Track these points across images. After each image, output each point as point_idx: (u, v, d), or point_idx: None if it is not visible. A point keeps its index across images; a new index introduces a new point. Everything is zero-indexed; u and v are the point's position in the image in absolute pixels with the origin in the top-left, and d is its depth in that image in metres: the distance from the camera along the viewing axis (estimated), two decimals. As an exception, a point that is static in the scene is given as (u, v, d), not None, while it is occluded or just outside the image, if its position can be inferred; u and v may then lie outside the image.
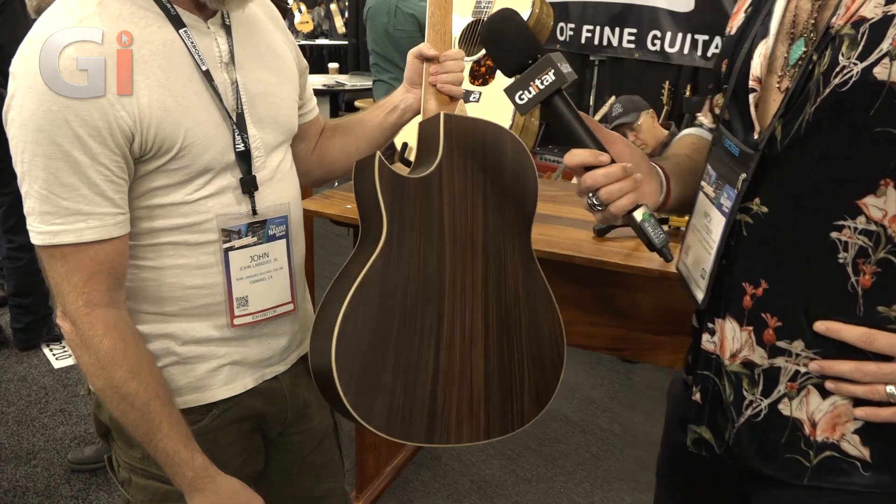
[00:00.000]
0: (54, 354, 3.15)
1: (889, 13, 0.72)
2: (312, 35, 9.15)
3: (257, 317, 1.08)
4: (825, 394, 0.83)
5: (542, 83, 0.88)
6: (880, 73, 0.71)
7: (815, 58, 0.77)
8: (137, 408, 0.96)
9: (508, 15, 0.92)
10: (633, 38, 4.24)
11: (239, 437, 1.13)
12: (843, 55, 0.74)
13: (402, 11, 3.45)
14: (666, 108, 4.06)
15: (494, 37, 0.94)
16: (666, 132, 3.17)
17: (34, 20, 0.94)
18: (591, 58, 4.45)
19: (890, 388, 0.78)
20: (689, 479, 1.13)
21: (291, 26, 8.13)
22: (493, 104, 1.65)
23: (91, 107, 0.87)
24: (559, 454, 2.58)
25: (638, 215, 0.89)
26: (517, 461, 2.53)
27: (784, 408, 0.86)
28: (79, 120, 0.86)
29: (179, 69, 0.95)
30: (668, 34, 4.08)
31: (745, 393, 0.89)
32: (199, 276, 1.02)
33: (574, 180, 0.94)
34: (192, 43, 0.96)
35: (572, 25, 4.38)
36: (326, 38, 9.18)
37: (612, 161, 0.89)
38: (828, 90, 0.75)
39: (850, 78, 0.73)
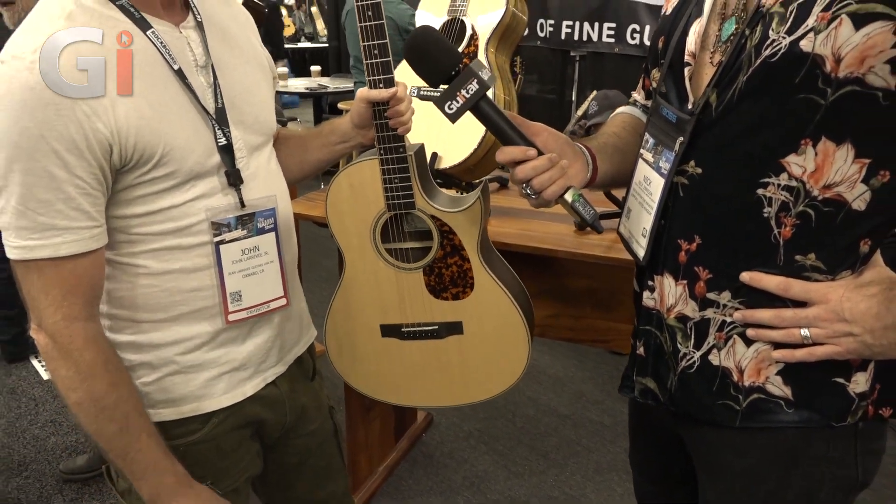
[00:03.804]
0: (43, 365, 3.13)
1: None
2: (294, 38, 9.14)
3: (251, 312, 1.09)
4: (748, 342, 0.91)
5: (467, 92, 0.97)
6: (806, 45, 0.78)
7: (747, 32, 0.84)
8: (117, 420, 0.95)
9: (427, 31, 1.01)
10: (612, 32, 4.26)
11: (239, 443, 1.13)
12: (773, 30, 0.81)
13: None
14: (647, 100, 4.07)
15: (416, 54, 1.01)
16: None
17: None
18: (572, 53, 4.47)
19: (804, 331, 0.87)
20: (651, 443, 1.23)
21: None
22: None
23: (67, 120, 0.86)
24: (550, 448, 2.60)
25: (568, 197, 1.00)
26: (509, 456, 2.54)
27: (714, 358, 0.94)
28: (54, 134, 0.86)
29: (153, 75, 0.94)
30: (647, 27, 4.10)
31: (679, 346, 0.98)
32: (195, 278, 1.03)
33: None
34: (161, 43, 0.95)
35: (552, 21, 4.39)
36: (309, 41, 9.17)
37: (540, 153, 0.99)
38: (759, 61, 0.82)
39: (779, 50, 0.80)
